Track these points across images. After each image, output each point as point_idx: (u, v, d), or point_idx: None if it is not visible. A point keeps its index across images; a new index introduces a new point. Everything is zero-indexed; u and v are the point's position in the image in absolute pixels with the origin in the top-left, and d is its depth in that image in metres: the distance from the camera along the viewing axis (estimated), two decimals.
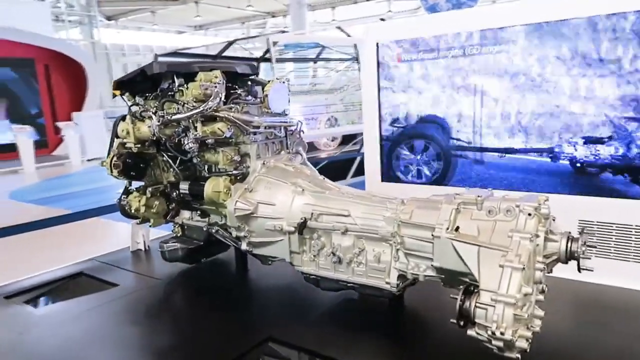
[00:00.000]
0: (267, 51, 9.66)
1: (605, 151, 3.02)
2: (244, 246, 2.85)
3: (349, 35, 12.56)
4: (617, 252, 2.96)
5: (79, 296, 3.13)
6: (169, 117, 2.81)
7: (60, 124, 16.05)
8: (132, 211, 3.19)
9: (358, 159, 10.01)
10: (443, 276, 2.29)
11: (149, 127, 2.86)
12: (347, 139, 11.70)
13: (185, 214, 3.33)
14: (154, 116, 2.84)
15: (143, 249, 3.93)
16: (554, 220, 2.18)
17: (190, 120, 2.80)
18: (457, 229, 2.19)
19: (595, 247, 2.90)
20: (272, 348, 2.44)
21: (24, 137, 14.71)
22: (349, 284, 2.59)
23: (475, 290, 2.11)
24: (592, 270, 2.08)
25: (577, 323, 2.58)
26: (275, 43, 10.91)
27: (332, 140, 11.95)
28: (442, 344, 2.34)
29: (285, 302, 2.91)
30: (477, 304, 1.98)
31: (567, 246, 2.08)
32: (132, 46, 31.03)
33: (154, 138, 2.91)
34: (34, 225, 5.08)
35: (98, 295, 3.14)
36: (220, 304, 2.90)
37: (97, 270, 3.54)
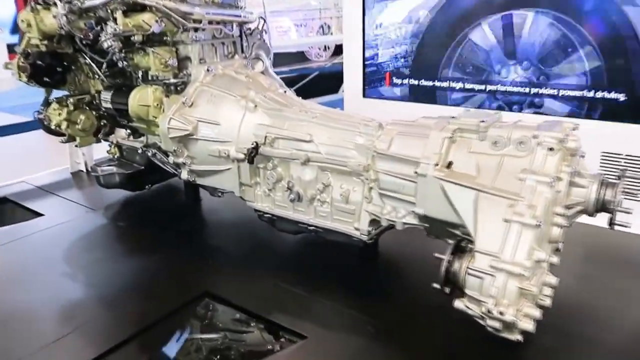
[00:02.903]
0: None
1: None
2: (184, 175, 2.29)
3: None
4: None
5: None
6: (78, 4, 2.12)
7: None
8: (53, 127, 2.58)
9: None
10: (427, 225, 1.75)
11: (55, 17, 2.17)
12: (340, 49, 10.78)
13: (122, 132, 2.74)
14: (59, 3, 2.14)
15: (84, 169, 3.37)
16: (582, 157, 1.60)
17: (109, 10, 2.11)
18: (449, 165, 1.62)
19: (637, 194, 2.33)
20: (207, 305, 1.96)
21: None
22: (310, 227, 2.06)
23: (468, 249, 1.58)
24: (629, 227, 1.53)
25: (589, 285, 2.04)
26: None
27: (325, 50, 11.00)
28: (425, 307, 1.84)
29: (235, 245, 2.39)
30: (470, 270, 1.45)
31: (598, 194, 1.52)
32: None
33: (64, 33, 2.23)
34: None
35: (16, 227, 2.62)
36: (158, 245, 2.39)
37: (25, 195, 3.00)
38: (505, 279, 1.38)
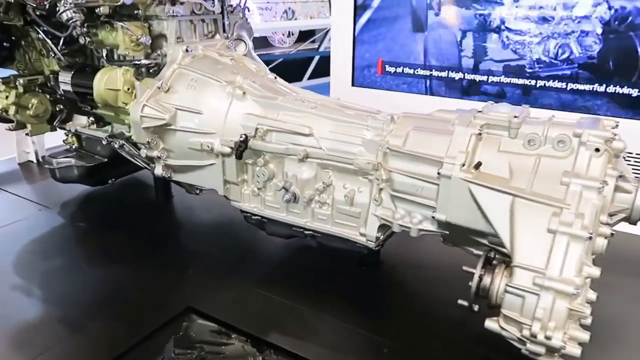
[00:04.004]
0: None
1: None
2: (158, 170, 2.00)
3: None
4: None
5: None
6: None
7: None
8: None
9: (316, 58, 8.96)
10: (447, 233, 1.56)
11: None
12: (304, 35, 10.46)
13: (81, 120, 2.39)
14: None
15: (35, 160, 2.99)
16: (624, 158, 1.45)
17: None
18: (477, 165, 1.43)
19: None
20: (192, 321, 1.70)
21: None
22: (306, 231, 1.83)
23: (496, 261, 1.41)
24: None
25: (613, 294, 1.82)
26: None
27: (288, 36, 10.66)
28: (442, 323, 1.66)
29: (217, 250, 2.11)
30: (509, 287, 1.27)
31: None
32: None
33: (12, 0, 1.88)
34: None
35: None
36: (126, 250, 2.09)
37: None
38: (553, 298, 1.20)
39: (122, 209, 2.46)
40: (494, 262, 1.43)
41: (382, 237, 1.70)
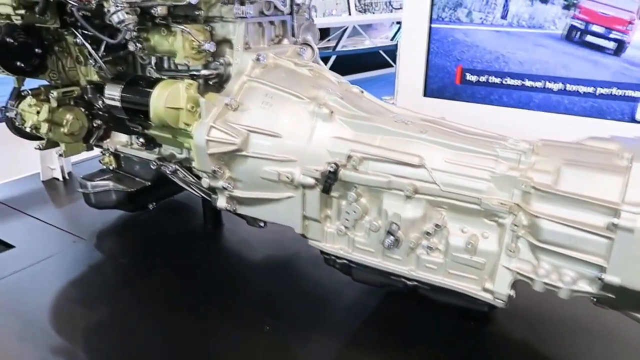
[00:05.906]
0: None
1: None
2: (221, 203, 1.67)
3: None
4: None
5: None
6: None
7: None
8: (28, 129, 1.89)
9: (333, 58, 8.62)
10: (613, 297, 1.22)
11: None
12: (320, 33, 10.13)
13: (121, 137, 2.07)
14: None
15: (60, 177, 2.66)
16: None
17: None
18: None
19: None
20: None
21: None
22: (409, 282, 1.50)
23: None
24: None
25: None
26: None
27: None
28: None
29: (287, 295, 1.76)
30: None
31: None
32: None
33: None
34: None
35: None
36: (182, 295, 1.77)
37: None
38: None
39: (167, 240, 2.12)
40: None
41: (514, 295, 1.37)
